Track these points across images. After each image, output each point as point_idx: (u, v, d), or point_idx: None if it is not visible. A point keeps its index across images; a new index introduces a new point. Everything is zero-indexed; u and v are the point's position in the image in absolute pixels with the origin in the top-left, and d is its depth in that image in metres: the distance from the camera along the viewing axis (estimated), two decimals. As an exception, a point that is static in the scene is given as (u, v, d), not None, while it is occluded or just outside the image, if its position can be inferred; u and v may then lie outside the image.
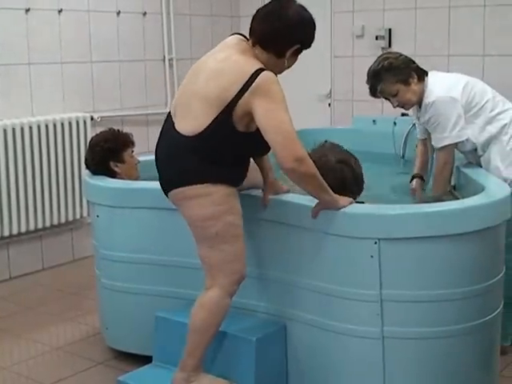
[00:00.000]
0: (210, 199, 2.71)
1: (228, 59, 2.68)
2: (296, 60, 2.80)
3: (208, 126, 2.64)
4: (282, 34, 2.69)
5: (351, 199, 2.84)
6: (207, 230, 2.75)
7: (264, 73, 2.60)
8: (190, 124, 2.69)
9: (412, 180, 3.79)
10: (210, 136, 2.65)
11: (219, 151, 2.69)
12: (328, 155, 3.03)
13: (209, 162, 2.69)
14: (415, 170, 3.82)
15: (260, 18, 2.74)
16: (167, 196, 2.87)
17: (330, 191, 2.72)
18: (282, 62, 2.73)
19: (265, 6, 2.80)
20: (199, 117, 2.65)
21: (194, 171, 2.70)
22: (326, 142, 3.15)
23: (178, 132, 2.72)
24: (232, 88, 2.59)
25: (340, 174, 2.97)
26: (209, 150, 2.68)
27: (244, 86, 2.58)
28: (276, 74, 2.68)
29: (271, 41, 2.68)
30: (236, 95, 2.59)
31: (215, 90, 2.62)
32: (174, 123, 2.76)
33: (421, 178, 3.78)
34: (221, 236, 2.74)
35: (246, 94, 2.58)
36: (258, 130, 2.65)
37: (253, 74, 2.59)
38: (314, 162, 2.79)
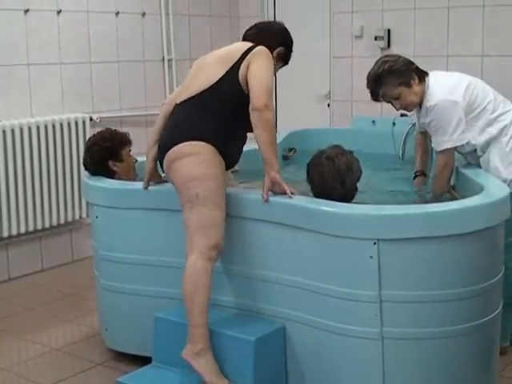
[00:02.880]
0: (199, 158, 2.97)
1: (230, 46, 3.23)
2: (276, 69, 3.26)
3: (219, 79, 3.03)
4: (268, 34, 3.25)
5: (286, 186, 2.95)
6: (190, 190, 2.95)
7: (262, 46, 3.09)
8: (199, 83, 3.07)
9: (415, 177, 3.79)
10: (218, 89, 3.03)
11: (223, 107, 3.02)
12: (323, 152, 3.07)
13: (210, 118, 3.01)
14: (417, 167, 3.82)
15: (249, 29, 3.33)
16: (162, 167, 3.11)
17: (275, 153, 2.96)
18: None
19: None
20: (210, 73, 3.07)
21: (194, 127, 3.01)
22: (336, 146, 3.17)
23: (182, 101, 3.10)
24: (238, 51, 3.08)
25: (321, 168, 3.05)
26: (214, 104, 3.02)
27: (248, 49, 3.07)
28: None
29: (261, 37, 3.19)
30: (242, 54, 3.04)
31: (225, 52, 3.15)
32: (176, 104, 3.15)
33: (423, 173, 3.78)
34: (201, 198, 2.93)
35: (249, 55, 3.04)
36: None
37: (254, 45, 3.10)
38: (312, 158, 3.06)
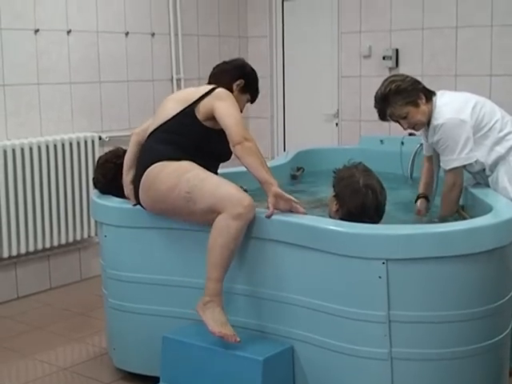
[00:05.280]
0: (167, 171, 3.13)
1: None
2: (244, 100, 3.47)
3: (175, 115, 3.23)
4: (225, 72, 3.47)
5: (290, 197, 3.01)
6: (180, 196, 3.07)
7: (222, 88, 3.29)
8: (160, 120, 3.27)
9: (417, 200, 3.78)
10: (172, 123, 3.23)
11: (180, 138, 3.20)
12: (356, 176, 3.07)
13: (174, 147, 3.19)
14: (420, 190, 3.81)
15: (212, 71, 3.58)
16: (141, 204, 3.27)
17: (269, 172, 3.04)
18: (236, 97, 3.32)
19: None
20: (168, 110, 3.27)
21: (156, 154, 3.20)
22: (359, 163, 3.19)
23: (150, 134, 3.30)
24: (196, 94, 3.28)
25: (363, 197, 3.03)
26: (173, 135, 3.21)
27: (206, 93, 3.26)
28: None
29: (219, 76, 3.44)
30: (199, 98, 3.24)
31: (182, 95, 3.38)
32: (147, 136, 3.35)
33: (426, 197, 3.77)
34: (193, 182, 3.06)
35: (208, 98, 3.23)
36: (220, 131, 3.16)
37: (213, 88, 3.29)
38: (341, 178, 3.07)
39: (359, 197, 3.03)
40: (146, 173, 3.20)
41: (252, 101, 3.55)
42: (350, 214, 3.05)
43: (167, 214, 3.21)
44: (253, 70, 3.53)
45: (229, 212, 2.96)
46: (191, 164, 3.17)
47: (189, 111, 3.22)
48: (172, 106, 3.29)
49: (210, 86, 3.32)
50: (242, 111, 3.34)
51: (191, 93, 3.33)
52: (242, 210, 2.96)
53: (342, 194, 3.09)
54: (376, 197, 3.04)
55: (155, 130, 3.28)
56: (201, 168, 3.16)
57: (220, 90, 3.26)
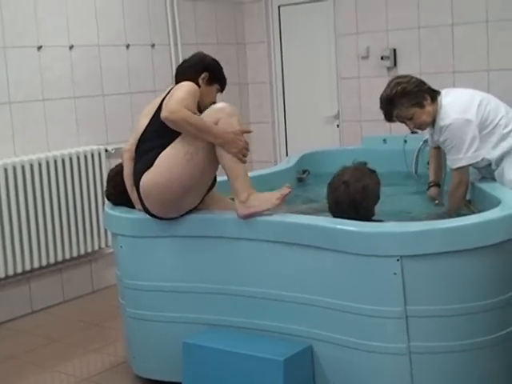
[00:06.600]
0: (157, 169, 3.19)
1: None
2: (214, 91, 3.49)
3: (146, 127, 3.33)
4: (187, 69, 3.50)
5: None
6: (182, 166, 3.16)
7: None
8: (136, 137, 3.38)
9: (429, 188, 3.83)
10: (149, 131, 3.31)
11: (159, 141, 3.23)
12: (342, 174, 3.14)
13: (153, 153, 3.23)
14: (431, 178, 3.87)
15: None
16: (152, 214, 3.32)
17: (215, 129, 3.13)
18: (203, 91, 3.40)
19: None
20: (141, 126, 3.37)
21: (142, 165, 3.26)
22: (361, 163, 3.25)
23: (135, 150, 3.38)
24: (158, 99, 3.37)
25: (336, 193, 3.11)
26: (150, 143, 3.27)
27: (168, 92, 3.33)
28: (209, 104, 3.37)
29: (183, 75, 3.45)
30: (161, 101, 3.30)
31: (149, 107, 3.46)
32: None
33: (437, 184, 3.83)
34: (187, 150, 3.16)
35: (167, 97, 3.26)
36: None
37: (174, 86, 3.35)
38: (332, 178, 3.14)
39: (333, 193, 3.13)
40: (141, 184, 3.26)
41: (222, 89, 3.56)
42: (330, 210, 3.17)
43: (183, 196, 3.23)
44: (214, 59, 3.55)
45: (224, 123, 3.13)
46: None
47: (156, 117, 3.26)
48: (143, 121, 3.39)
49: (171, 86, 3.38)
50: (215, 102, 3.41)
51: (156, 101, 3.40)
52: (221, 113, 3.18)
53: (326, 193, 3.20)
54: (348, 193, 3.07)
55: (136, 147, 3.37)
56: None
57: (177, 85, 3.29)
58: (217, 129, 3.14)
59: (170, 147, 3.21)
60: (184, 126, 3.12)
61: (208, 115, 3.21)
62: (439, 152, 3.84)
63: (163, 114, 3.11)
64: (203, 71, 3.45)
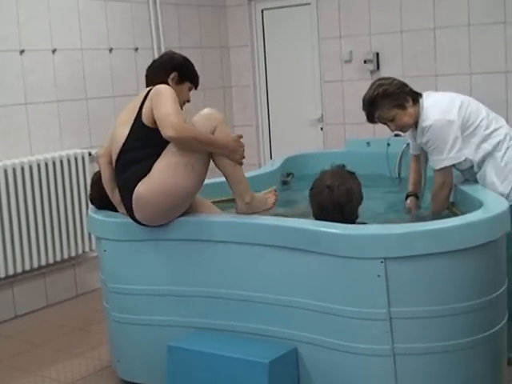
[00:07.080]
0: (154, 181, 3.16)
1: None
2: (186, 89, 3.43)
3: (128, 135, 3.24)
4: (157, 69, 3.44)
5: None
6: (182, 176, 3.15)
7: (155, 86, 3.25)
8: (117, 145, 3.28)
9: (407, 198, 3.86)
10: (132, 140, 3.23)
11: (146, 150, 3.20)
12: (323, 179, 3.15)
13: (142, 163, 3.19)
14: (409, 189, 3.90)
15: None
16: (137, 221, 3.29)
17: (220, 141, 3.18)
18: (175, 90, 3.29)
19: None
20: (121, 134, 3.26)
21: (133, 176, 3.20)
22: (339, 165, 3.29)
23: (115, 161, 3.31)
24: (136, 104, 3.27)
25: (320, 197, 3.12)
26: (137, 152, 3.20)
27: (145, 96, 3.25)
28: (183, 103, 3.39)
29: (153, 76, 3.41)
30: (140, 103, 3.24)
31: (128, 110, 3.34)
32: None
33: (415, 195, 3.85)
34: (187, 161, 3.15)
35: (146, 102, 3.22)
36: None
37: (149, 90, 3.28)
38: (313, 183, 3.13)
39: (316, 198, 3.15)
40: (134, 197, 3.21)
41: (195, 86, 3.51)
42: (314, 215, 3.17)
43: (180, 205, 3.24)
44: (183, 57, 3.50)
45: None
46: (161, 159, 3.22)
47: (137, 124, 3.22)
48: (121, 129, 3.28)
49: (147, 90, 3.32)
50: (189, 101, 3.44)
51: (132, 107, 3.31)
52: (215, 121, 3.23)
53: (309, 198, 3.21)
54: (332, 197, 3.09)
55: (118, 157, 3.28)
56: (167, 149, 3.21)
57: (154, 89, 3.24)
58: (221, 140, 3.19)
59: (166, 157, 3.17)
60: (192, 143, 3.13)
61: (202, 125, 3.21)
62: (418, 162, 3.87)
63: (168, 133, 3.05)
64: (172, 71, 3.40)
